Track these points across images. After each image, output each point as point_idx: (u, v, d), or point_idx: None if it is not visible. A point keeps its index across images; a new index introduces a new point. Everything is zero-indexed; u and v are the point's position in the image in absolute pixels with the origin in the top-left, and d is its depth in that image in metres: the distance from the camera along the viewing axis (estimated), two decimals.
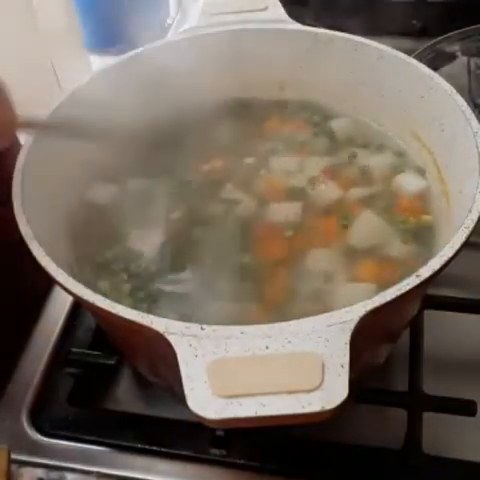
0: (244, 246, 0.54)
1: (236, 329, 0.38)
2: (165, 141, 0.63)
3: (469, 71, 0.81)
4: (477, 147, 0.48)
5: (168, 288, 0.51)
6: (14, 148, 0.52)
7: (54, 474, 0.54)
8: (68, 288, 0.42)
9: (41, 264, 0.43)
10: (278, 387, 0.36)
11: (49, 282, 0.43)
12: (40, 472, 0.54)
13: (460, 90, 0.53)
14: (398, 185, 0.58)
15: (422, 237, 0.54)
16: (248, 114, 0.66)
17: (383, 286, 0.42)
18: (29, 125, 0.51)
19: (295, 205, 0.57)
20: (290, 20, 0.62)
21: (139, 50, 0.61)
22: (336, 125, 0.64)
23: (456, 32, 0.84)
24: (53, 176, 0.54)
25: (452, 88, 0.53)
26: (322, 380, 0.36)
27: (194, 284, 0.51)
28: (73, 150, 0.57)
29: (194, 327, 0.38)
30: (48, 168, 0.53)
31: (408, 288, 0.40)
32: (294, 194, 0.58)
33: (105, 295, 0.41)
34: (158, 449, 0.55)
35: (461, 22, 0.84)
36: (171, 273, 0.52)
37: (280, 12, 0.63)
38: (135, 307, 0.41)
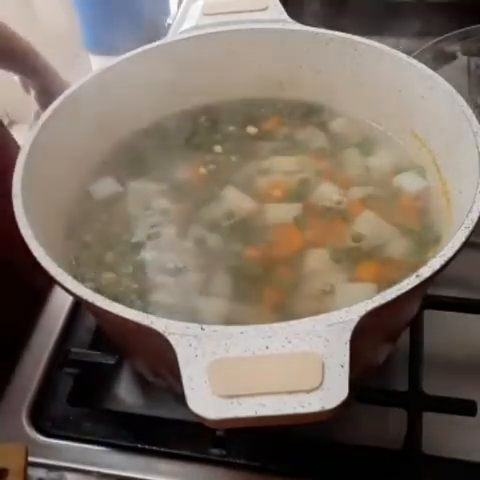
0: (244, 246, 0.54)
1: (236, 329, 0.38)
2: (165, 140, 0.63)
3: (469, 71, 0.81)
4: (477, 147, 0.48)
5: (167, 287, 0.51)
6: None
7: (54, 474, 0.54)
8: (68, 288, 0.42)
9: (41, 264, 0.43)
10: (278, 387, 0.36)
11: (49, 280, 0.43)
12: (40, 472, 0.54)
13: (460, 90, 0.53)
14: (398, 185, 0.58)
15: (422, 237, 0.54)
16: (248, 114, 0.66)
17: (383, 286, 0.42)
18: None
19: (295, 205, 0.57)
20: (290, 20, 0.62)
21: (139, 50, 0.61)
22: (336, 125, 0.64)
23: (456, 32, 0.83)
24: (53, 175, 0.54)
25: (452, 88, 0.53)
26: (322, 380, 0.36)
27: (194, 285, 0.52)
28: (73, 149, 0.57)
29: (194, 327, 0.38)
30: (48, 167, 0.53)
31: (408, 288, 0.40)
32: (294, 194, 0.58)
33: (105, 294, 0.41)
34: (158, 449, 0.55)
35: (461, 22, 0.84)
36: (171, 272, 0.52)
37: (280, 12, 0.62)
38: (136, 306, 0.41)
